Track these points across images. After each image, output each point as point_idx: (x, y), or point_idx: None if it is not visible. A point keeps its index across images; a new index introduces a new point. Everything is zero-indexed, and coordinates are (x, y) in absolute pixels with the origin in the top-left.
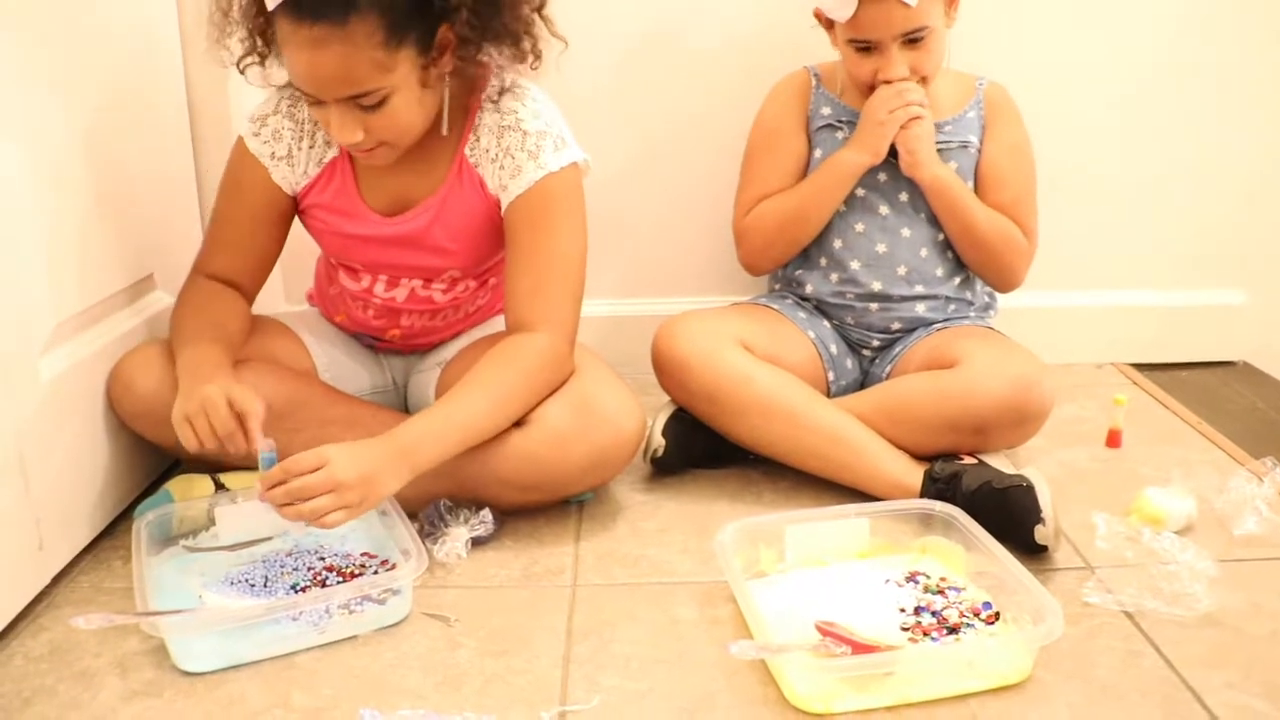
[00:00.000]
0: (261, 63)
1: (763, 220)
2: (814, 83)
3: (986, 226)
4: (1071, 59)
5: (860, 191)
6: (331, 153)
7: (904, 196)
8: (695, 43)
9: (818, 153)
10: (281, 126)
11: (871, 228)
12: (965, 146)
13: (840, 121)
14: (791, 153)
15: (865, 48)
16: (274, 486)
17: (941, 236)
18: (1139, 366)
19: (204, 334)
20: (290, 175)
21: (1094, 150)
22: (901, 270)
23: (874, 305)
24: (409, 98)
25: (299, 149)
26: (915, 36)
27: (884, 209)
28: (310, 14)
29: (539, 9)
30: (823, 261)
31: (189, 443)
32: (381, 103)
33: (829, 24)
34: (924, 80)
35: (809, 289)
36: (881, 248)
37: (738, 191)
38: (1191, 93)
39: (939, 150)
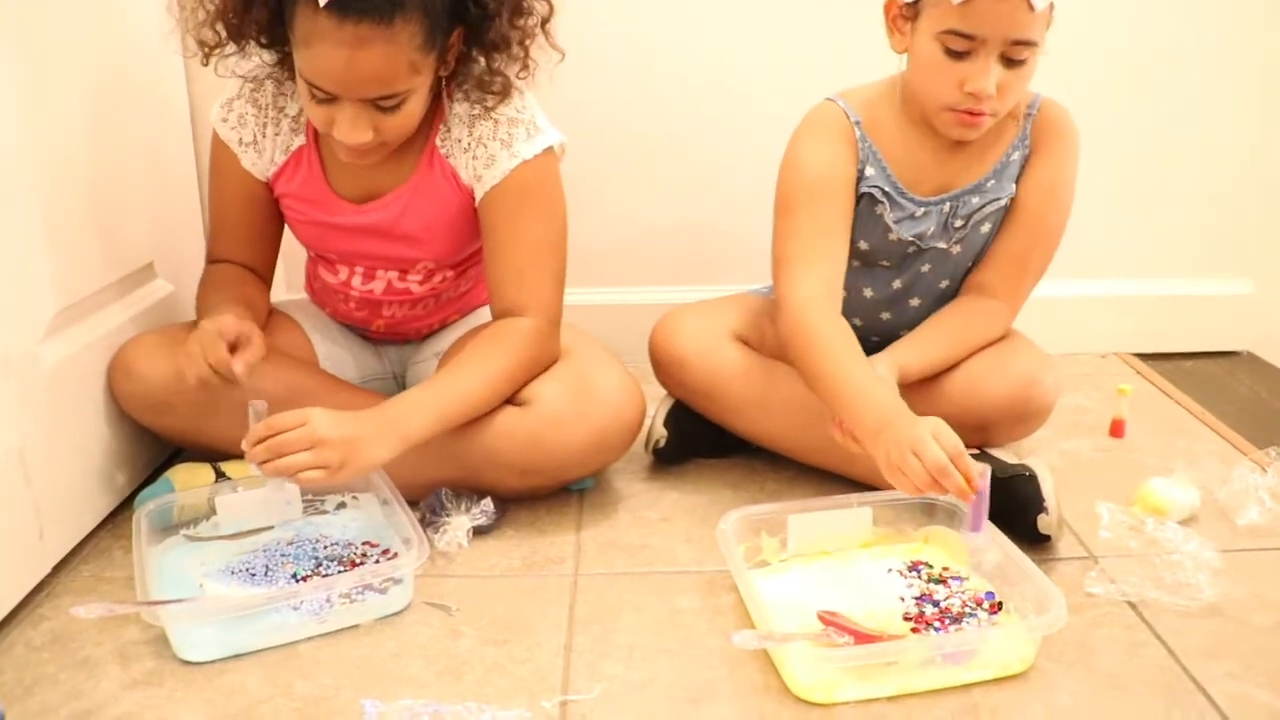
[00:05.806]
0: (222, 52)
1: (794, 339)
2: (858, 133)
3: (966, 355)
4: (1074, 44)
5: (885, 261)
6: (298, 141)
7: (925, 268)
8: (704, 31)
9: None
10: (245, 112)
11: (880, 296)
12: (1006, 200)
13: (884, 195)
14: (839, 210)
15: (961, 51)
16: (258, 444)
17: (948, 293)
18: (1143, 356)
19: (221, 301)
20: (259, 162)
21: (1099, 138)
22: (903, 332)
23: (875, 340)
24: (421, 98)
25: (264, 136)
26: (1019, 56)
27: (897, 284)
28: (356, 11)
29: (544, 22)
30: None
31: (189, 374)
32: (401, 104)
33: (910, 15)
34: (994, 115)
35: None
36: (886, 315)
37: (777, 243)
38: (1198, 80)
39: (978, 220)
